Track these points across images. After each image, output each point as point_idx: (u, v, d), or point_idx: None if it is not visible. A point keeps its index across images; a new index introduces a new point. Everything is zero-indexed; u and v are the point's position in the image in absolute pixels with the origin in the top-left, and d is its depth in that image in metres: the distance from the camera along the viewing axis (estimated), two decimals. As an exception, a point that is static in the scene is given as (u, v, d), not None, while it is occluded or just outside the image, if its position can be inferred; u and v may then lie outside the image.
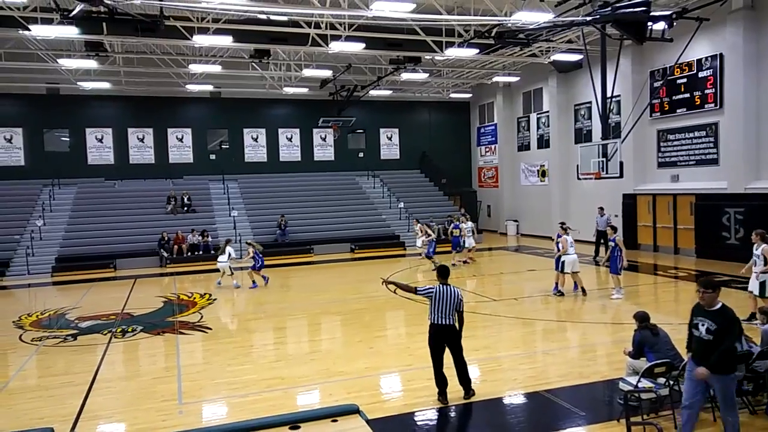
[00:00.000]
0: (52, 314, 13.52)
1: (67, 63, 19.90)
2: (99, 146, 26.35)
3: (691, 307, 5.53)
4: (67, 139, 26.13)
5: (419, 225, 19.81)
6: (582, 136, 23.52)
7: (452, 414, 6.75)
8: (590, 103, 21.87)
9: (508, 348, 9.33)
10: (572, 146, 23.38)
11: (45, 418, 6.97)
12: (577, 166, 17.05)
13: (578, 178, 17.73)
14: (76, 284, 18.22)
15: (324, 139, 29.75)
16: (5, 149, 25.05)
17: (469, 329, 9.61)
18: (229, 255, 16.13)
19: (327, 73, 23.61)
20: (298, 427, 3.65)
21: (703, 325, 5.24)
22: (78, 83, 23.15)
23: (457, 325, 6.97)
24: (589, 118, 23.23)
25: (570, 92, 24.46)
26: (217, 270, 16.54)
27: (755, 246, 10.12)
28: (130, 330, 11.54)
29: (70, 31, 15.49)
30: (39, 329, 11.96)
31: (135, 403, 7.47)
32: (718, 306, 5.26)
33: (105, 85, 23.82)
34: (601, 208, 19.37)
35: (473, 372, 7.51)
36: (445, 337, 6.92)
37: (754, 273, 10.14)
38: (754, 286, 10.09)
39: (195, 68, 21.83)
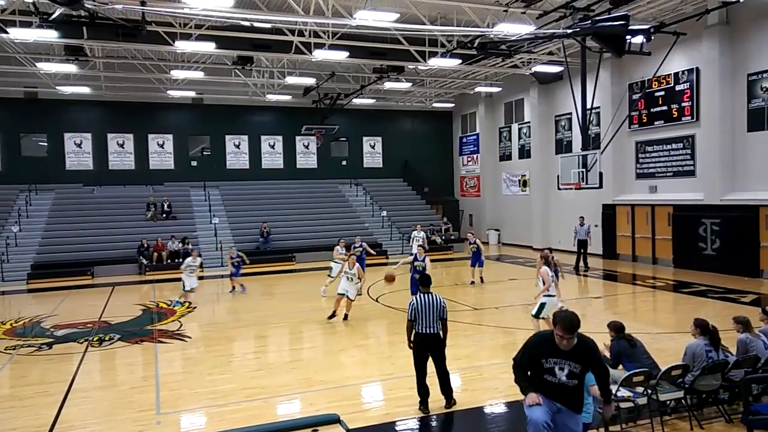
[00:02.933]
0: (26, 322, 13.25)
1: (46, 67, 19.65)
2: (78, 151, 25.98)
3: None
4: (45, 144, 25.73)
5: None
6: (563, 147, 23.82)
7: (434, 423, 6.75)
8: (570, 114, 22.17)
9: (489, 357, 9.37)
10: (553, 157, 23.65)
11: (18, 429, 6.81)
12: (558, 176, 17.26)
13: (559, 189, 17.93)
14: (52, 291, 17.88)
15: (307, 147, 29.71)
16: (-19, 153, 24.58)
17: (450, 338, 9.63)
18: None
19: (310, 81, 23.63)
20: (279, 438, 3.63)
21: (562, 369, 4.44)
22: (57, 87, 22.85)
23: (441, 333, 6.95)
24: (570, 129, 23.55)
25: (551, 103, 24.78)
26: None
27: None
28: (107, 338, 11.35)
29: (50, 35, 15.32)
30: (13, 338, 11.70)
31: (112, 413, 7.33)
32: (575, 341, 4.43)
33: (85, 90, 23.54)
34: (582, 218, 19.60)
35: (455, 381, 7.51)
36: (429, 346, 6.91)
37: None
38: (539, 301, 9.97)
39: (177, 74, 21.69)
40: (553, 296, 9.93)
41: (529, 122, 26.10)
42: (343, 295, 12.15)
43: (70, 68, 19.70)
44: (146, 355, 10.24)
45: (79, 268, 20.40)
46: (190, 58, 21.14)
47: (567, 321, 4.38)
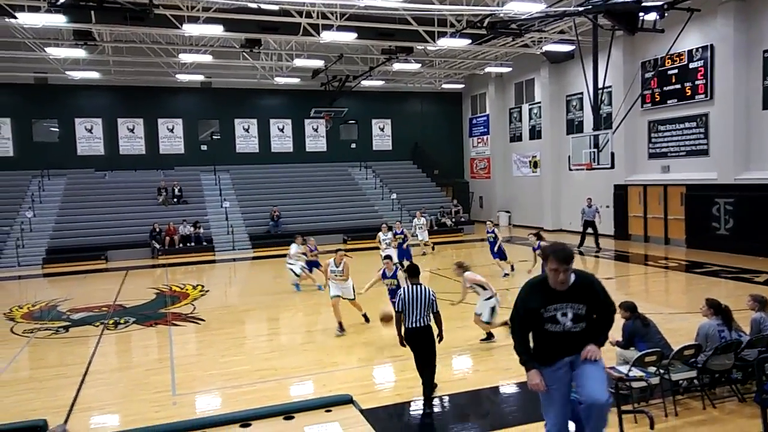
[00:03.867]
0: (43, 306, 13.45)
1: (55, 52, 19.65)
2: (89, 137, 26.11)
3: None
4: (57, 130, 25.87)
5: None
6: (574, 127, 23.58)
7: (446, 404, 6.79)
8: (582, 93, 21.91)
9: (501, 338, 9.39)
10: (564, 137, 23.42)
11: (37, 409, 6.93)
12: (569, 156, 17.10)
13: (570, 169, 17.78)
14: (67, 276, 18.11)
15: (316, 130, 29.64)
16: (2, 141, 24.79)
17: (461, 319, 9.70)
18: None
19: (319, 63, 23.48)
20: (292, 418, 3.67)
21: (564, 314, 3.96)
22: (66, 73, 22.89)
23: (433, 325, 6.62)
24: (581, 108, 23.28)
25: (562, 83, 24.47)
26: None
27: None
28: (122, 322, 11.50)
29: (58, 20, 15.31)
30: (30, 321, 11.90)
31: (128, 394, 7.46)
32: (573, 279, 3.95)
33: (94, 75, 23.56)
34: (590, 199, 19.45)
35: (465, 362, 7.55)
36: (420, 340, 6.53)
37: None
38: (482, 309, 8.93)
39: (185, 58, 21.63)
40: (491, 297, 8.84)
41: (539, 102, 25.82)
42: (339, 296, 10.09)
43: (79, 53, 19.68)
44: (161, 338, 10.38)
45: (93, 252, 20.62)
46: (198, 42, 21.07)
47: (559, 250, 3.84)
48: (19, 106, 25.05)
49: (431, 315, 6.60)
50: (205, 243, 22.15)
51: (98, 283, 16.98)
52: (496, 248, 15.26)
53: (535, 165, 26.47)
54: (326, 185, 27.25)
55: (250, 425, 4.69)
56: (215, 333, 10.57)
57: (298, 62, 22.85)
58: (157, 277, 17.36)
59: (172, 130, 27.26)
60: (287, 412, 4.06)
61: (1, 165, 24.57)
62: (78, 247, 20.87)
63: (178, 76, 24.61)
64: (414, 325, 6.49)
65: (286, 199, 25.40)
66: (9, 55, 20.49)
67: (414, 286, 6.61)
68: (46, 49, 19.57)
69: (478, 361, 8.24)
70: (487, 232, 15.59)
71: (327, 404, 3.78)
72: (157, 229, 21.85)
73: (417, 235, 19.14)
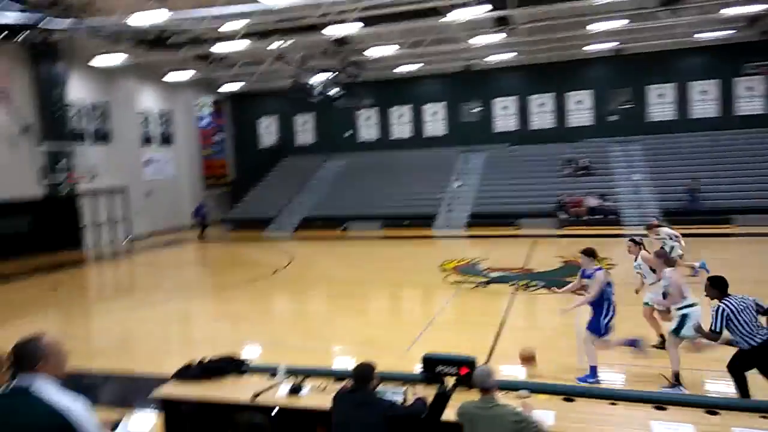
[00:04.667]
0: (467, 262, 15.57)
1: (478, 41, 22.03)
2: (504, 114, 28.57)
3: None
4: (478, 110, 29.20)
5: None
6: None
7: None
8: None
9: None
10: None
11: (462, 348, 8.12)
12: None
13: None
14: (484, 239, 20.45)
15: (751, 89, 24.99)
16: (432, 122, 29.67)
17: None
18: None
19: (759, 8, 19.53)
20: (716, 413, 3.29)
21: None
22: (487, 58, 25.43)
23: None
24: None
25: None
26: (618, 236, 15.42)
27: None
28: (532, 285, 12.34)
29: (481, 11, 17.04)
30: (457, 274, 13.97)
31: (538, 352, 7.98)
32: None
33: (509, 57, 25.47)
34: None
35: None
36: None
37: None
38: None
39: (595, 27, 21.17)
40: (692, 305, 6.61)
41: None
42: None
43: (498, 38, 21.56)
44: (565, 304, 10.70)
45: (507, 219, 22.63)
46: (609, 9, 20.28)
47: None
48: (450, 92, 29.25)
49: None
50: (611, 216, 21.62)
51: (511, 247, 18.62)
52: None
53: None
54: (762, 156, 22.79)
55: (665, 409, 4.44)
56: (623, 307, 10.25)
57: (729, 11, 19.54)
58: (563, 247, 17.88)
59: (580, 103, 27.33)
60: (712, 406, 3.66)
61: (436, 142, 29.28)
62: (494, 213, 23.25)
63: (585, 47, 24.34)
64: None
65: (709, 172, 22.37)
66: (444, 50, 23.98)
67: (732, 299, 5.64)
68: (471, 39, 22.10)
69: None
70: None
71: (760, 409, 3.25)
72: (565, 200, 22.42)
73: None
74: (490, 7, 16.72)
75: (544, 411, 4.29)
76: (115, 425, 3.28)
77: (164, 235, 25.78)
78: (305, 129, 31.75)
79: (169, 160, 28.37)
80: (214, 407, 4.82)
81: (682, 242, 11.38)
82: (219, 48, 19.56)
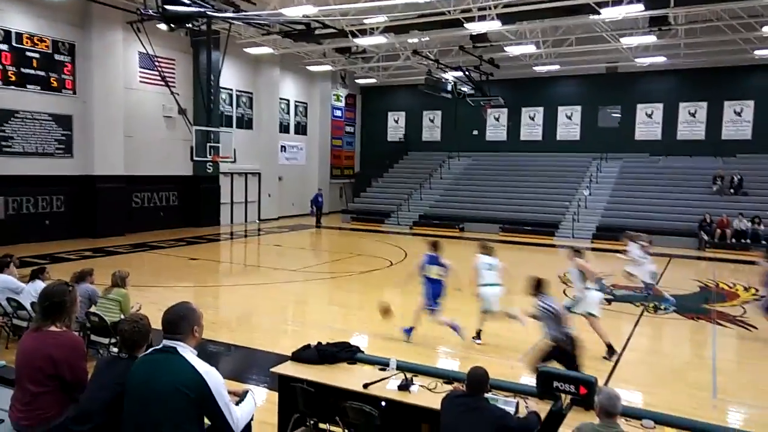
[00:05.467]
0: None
1: (628, 41, 20.62)
2: (647, 122, 26.57)
3: None
4: (618, 115, 27.40)
5: None
6: None
7: None
8: None
9: None
10: None
11: (582, 366, 7.68)
12: None
13: None
14: (611, 252, 19.14)
15: None
16: (565, 125, 28.37)
17: None
18: None
19: None
20: None
21: None
22: (635, 60, 23.74)
23: None
24: None
25: None
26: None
27: None
28: (662, 308, 11.39)
29: (637, 9, 15.90)
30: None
31: (665, 381, 7.36)
32: None
33: (660, 60, 23.58)
34: None
35: None
36: None
37: None
38: None
39: (770, 30, 18.94)
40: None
41: None
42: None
43: (650, 39, 20.03)
44: (701, 334, 9.79)
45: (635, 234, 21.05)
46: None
47: None
48: (588, 94, 27.72)
49: None
50: (764, 242, 19.33)
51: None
52: None
53: None
54: None
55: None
56: (766, 344, 9.14)
57: None
58: (701, 270, 16.34)
59: (739, 114, 24.66)
60: None
61: (568, 147, 27.95)
62: (625, 227, 21.68)
63: (756, 51, 21.85)
64: None
65: None
66: (587, 49, 22.73)
67: None
68: (620, 39, 20.74)
69: None
70: None
71: None
72: (708, 220, 20.42)
73: None
74: (643, 6, 15.55)
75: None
76: (244, 395, 3.48)
77: (290, 219, 27.22)
78: (432, 125, 31.84)
79: (302, 149, 29.85)
80: (326, 390, 4.97)
81: None
82: (359, 42, 20.14)
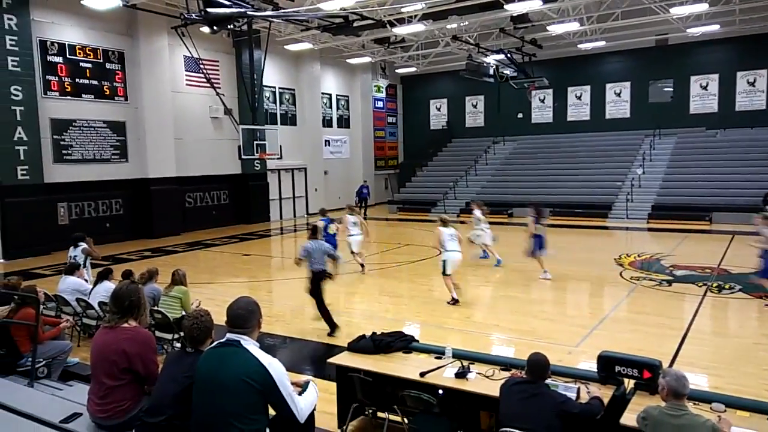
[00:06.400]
0: (648, 258, 14.26)
1: (678, 11, 19.73)
2: (702, 94, 25.42)
3: None
4: (671, 90, 26.31)
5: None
6: None
7: None
8: None
9: None
10: None
11: (642, 350, 7.46)
12: None
13: None
14: (669, 232, 18.55)
15: None
16: (614, 102, 27.45)
17: None
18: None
19: None
20: None
21: None
22: (686, 30, 22.70)
23: None
24: None
25: None
26: None
27: None
28: (726, 287, 10.94)
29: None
30: (636, 270, 12.86)
31: (733, 363, 7.08)
32: None
33: (714, 28, 22.45)
34: None
35: None
36: None
37: None
38: None
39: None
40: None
41: None
42: None
43: (702, 7, 19.10)
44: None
45: (697, 212, 20.27)
46: None
47: None
48: (638, 69, 26.69)
49: None
50: (835, 214, 18.23)
51: (701, 243, 16.68)
52: None
53: None
54: None
55: None
56: None
57: None
58: None
59: (803, 79, 23.30)
60: None
61: (618, 125, 27.06)
62: (682, 205, 20.94)
63: (818, 13, 20.54)
64: None
65: None
66: (634, 22, 21.84)
67: None
68: (670, 9, 19.87)
69: None
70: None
71: None
72: (773, 194, 19.40)
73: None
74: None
75: (745, 430, 3.76)
76: (305, 385, 3.55)
77: (337, 212, 27.43)
78: (475, 111, 31.42)
79: (346, 142, 30.03)
80: (383, 380, 5.01)
81: None
82: (397, 31, 20.06)
